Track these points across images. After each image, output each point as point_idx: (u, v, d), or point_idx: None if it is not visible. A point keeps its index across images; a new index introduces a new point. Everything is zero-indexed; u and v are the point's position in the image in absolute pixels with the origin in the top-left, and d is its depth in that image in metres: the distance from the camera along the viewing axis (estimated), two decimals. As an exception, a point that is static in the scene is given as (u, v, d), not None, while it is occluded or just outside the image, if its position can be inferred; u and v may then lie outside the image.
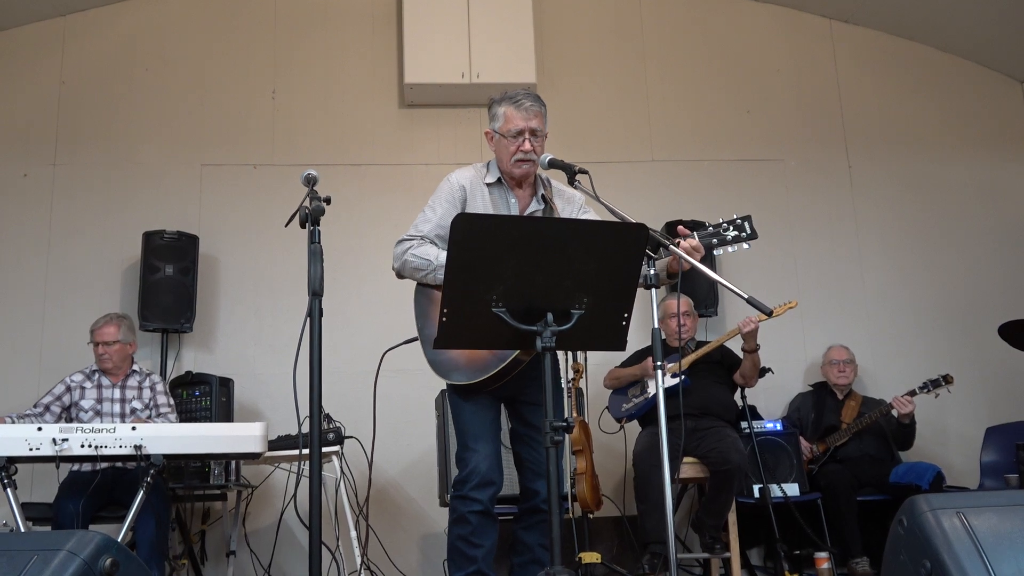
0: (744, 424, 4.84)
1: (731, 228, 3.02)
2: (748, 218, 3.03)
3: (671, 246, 2.81)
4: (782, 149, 6.09)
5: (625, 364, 4.92)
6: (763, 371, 4.90)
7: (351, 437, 4.39)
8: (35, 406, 4.39)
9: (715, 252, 3.02)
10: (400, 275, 3.12)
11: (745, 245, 3.03)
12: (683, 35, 6.23)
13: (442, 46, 5.63)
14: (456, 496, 2.99)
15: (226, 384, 5.02)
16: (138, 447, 3.48)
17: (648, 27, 6.21)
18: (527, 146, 3.02)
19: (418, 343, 3.09)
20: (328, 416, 4.32)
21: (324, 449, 4.24)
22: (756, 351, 4.68)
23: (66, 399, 4.42)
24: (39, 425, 3.50)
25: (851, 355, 5.29)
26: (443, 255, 2.95)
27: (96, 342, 4.48)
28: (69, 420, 4.37)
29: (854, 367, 5.28)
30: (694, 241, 2.90)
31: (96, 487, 4.06)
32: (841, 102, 6.20)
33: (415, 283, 3.12)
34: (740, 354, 4.81)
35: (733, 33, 6.26)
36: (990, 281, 5.96)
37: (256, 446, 3.63)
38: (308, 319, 2.53)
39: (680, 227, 2.95)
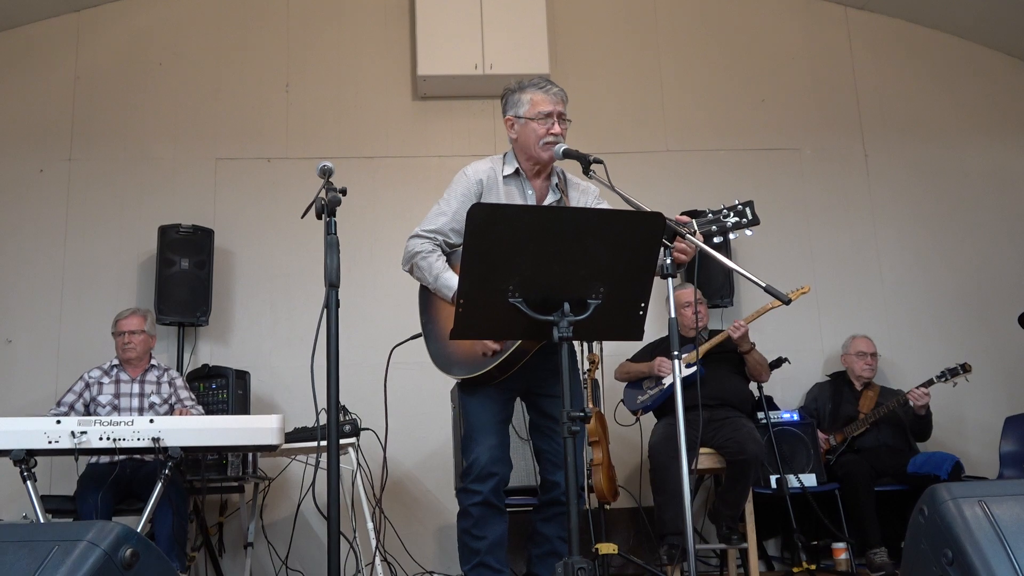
0: (761, 414, 4.83)
1: (732, 214, 2.95)
2: (750, 203, 2.95)
3: (688, 236, 2.79)
4: (797, 138, 6.05)
5: (637, 355, 4.91)
6: (779, 361, 4.88)
7: (367, 429, 4.39)
8: (58, 405, 4.42)
9: (715, 240, 2.92)
10: (409, 272, 3.13)
11: (748, 231, 2.95)
12: (697, 23, 6.19)
13: (455, 38, 5.62)
14: (460, 489, 3.00)
15: (242, 377, 5.04)
16: (156, 440, 3.49)
17: (661, 16, 6.17)
18: (557, 128, 3.01)
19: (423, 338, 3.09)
20: (344, 408, 4.33)
21: (341, 441, 4.25)
22: (751, 351, 4.68)
23: (86, 395, 4.45)
24: (58, 418, 3.53)
25: (875, 347, 5.25)
26: (443, 276, 2.97)
27: (122, 331, 4.51)
28: (88, 415, 4.40)
29: (877, 359, 5.25)
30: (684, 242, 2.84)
31: (114, 480, 4.09)
32: (857, 90, 6.16)
33: None
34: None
35: (747, 21, 6.22)
36: (1008, 269, 5.91)
37: (273, 438, 3.64)
38: (325, 311, 2.53)
39: (679, 215, 2.90)
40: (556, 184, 3.14)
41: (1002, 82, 6.26)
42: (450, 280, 2.93)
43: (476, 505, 2.93)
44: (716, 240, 2.93)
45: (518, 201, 3.08)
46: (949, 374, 4.84)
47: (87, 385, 4.47)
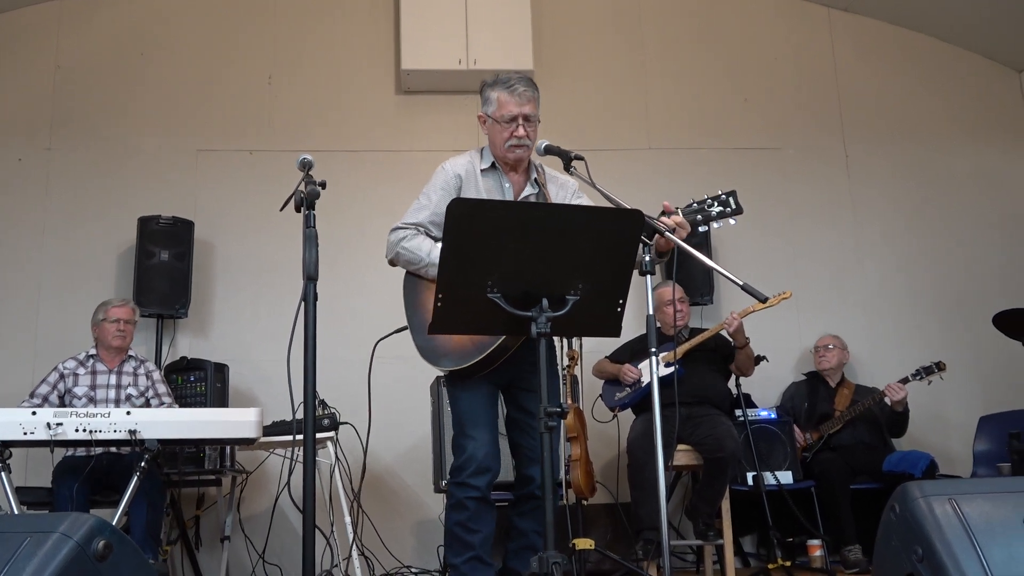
0: (738, 412, 4.85)
1: (715, 204, 2.97)
2: (733, 193, 2.97)
3: (667, 233, 2.80)
4: (780, 137, 6.08)
5: (615, 354, 4.92)
6: (757, 359, 4.90)
7: (346, 423, 4.39)
8: (32, 396, 4.36)
9: (700, 228, 2.95)
10: (393, 264, 3.12)
11: (731, 220, 2.97)
12: (681, 23, 6.21)
13: (439, 32, 5.62)
14: (453, 482, 2.99)
15: (221, 370, 5.01)
16: (133, 432, 3.48)
17: (646, 14, 6.19)
18: (520, 132, 3.01)
19: (408, 331, 3.08)
20: (323, 402, 4.32)
21: (319, 435, 4.25)
22: (746, 346, 4.69)
23: (60, 387, 4.40)
24: (33, 409, 3.50)
25: (838, 342, 5.27)
26: (435, 251, 2.95)
27: (115, 318, 4.48)
28: (63, 407, 4.35)
29: (838, 352, 5.26)
30: (679, 218, 2.86)
31: (91, 472, 4.06)
32: (839, 91, 6.19)
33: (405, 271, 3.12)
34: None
35: (731, 21, 6.24)
36: (987, 270, 5.96)
37: (251, 431, 3.64)
38: (302, 304, 2.52)
39: (666, 203, 2.92)
40: (535, 179, 3.15)
41: (983, 85, 6.31)
42: None
43: (473, 499, 2.93)
44: (700, 229, 2.95)
45: (496, 195, 3.08)
46: (924, 372, 4.88)
47: (61, 376, 4.42)
